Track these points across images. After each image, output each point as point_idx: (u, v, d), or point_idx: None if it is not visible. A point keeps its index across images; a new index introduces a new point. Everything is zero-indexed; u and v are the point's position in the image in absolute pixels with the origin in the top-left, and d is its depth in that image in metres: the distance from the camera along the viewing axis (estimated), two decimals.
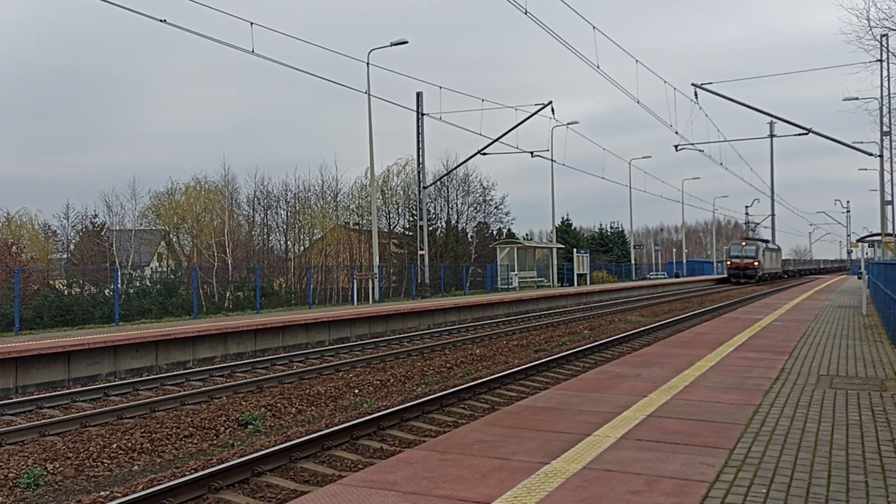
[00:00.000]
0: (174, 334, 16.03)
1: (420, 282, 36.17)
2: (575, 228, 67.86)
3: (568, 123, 42.95)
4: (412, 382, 13.72)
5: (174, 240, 44.73)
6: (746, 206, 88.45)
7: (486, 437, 6.10)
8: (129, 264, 36.33)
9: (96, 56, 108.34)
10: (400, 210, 51.78)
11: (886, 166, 32.50)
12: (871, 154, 33.21)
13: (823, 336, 14.31)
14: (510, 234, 55.97)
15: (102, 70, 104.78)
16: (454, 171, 49.79)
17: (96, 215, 42.46)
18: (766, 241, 74.83)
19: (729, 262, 66.30)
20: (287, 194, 46.94)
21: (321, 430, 9.03)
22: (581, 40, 50.34)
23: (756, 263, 63.89)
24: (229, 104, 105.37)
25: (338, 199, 48.98)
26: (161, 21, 17.81)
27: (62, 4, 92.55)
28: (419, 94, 36.78)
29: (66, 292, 26.23)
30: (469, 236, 55.45)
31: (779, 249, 78.54)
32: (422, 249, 36.64)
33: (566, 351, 16.87)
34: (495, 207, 56.89)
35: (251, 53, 20.02)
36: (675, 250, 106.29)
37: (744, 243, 66.69)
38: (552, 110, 36.68)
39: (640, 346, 17.74)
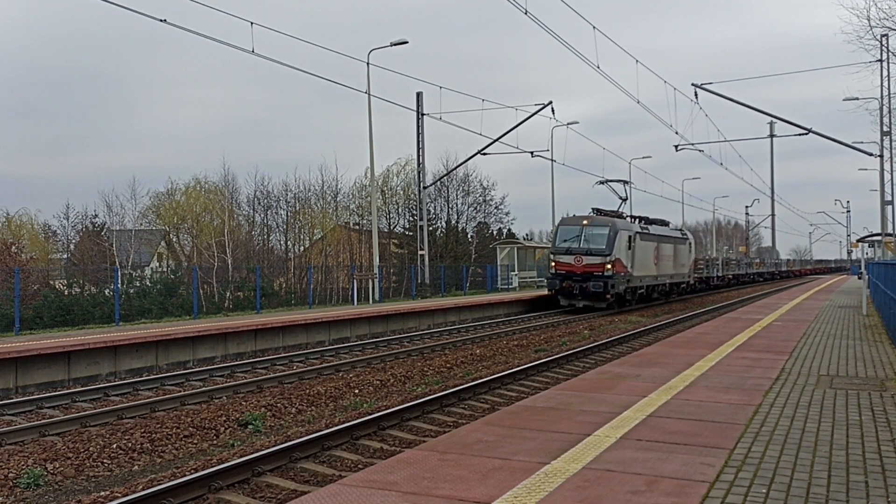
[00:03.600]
0: (174, 334, 16.03)
1: (420, 282, 36.16)
2: None
3: (568, 123, 42.81)
4: (412, 382, 13.72)
5: (174, 240, 44.82)
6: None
7: (486, 437, 6.10)
8: (129, 264, 36.36)
9: (96, 56, 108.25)
10: (400, 210, 51.89)
11: (886, 166, 32.50)
12: (871, 154, 33.19)
13: (823, 336, 14.31)
14: (510, 234, 56.01)
15: (102, 70, 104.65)
16: (454, 171, 49.85)
17: (96, 215, 42.61)
18: (652, 223, 36.45)
19: (553, 264, 30.57)
20: (287, 194, 47.09)
21: (321, 430, 9.03)
22: (581, 40, 50.38)
23: (608, 267, 29.39)
24: (229, 104, 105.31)
25: (338, 199, 49.09)
26: (161, 21, 17.81)
27: (62, 4, 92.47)
28: (419, 94, 36.78)
29: (66, 292, 26.25)
30: (469, 236, 55.50)
31: (685, 238, 40.39)
32: (422, 249, 36.63)
33: (566, 351, 16.87)
34: (495, 207, 57.02)
35: (251, 53, 20.02)
36: None
37: (585, 222, 30.72)
38: (552, 110, 36.59)
39: (640, 346, 17.74)
